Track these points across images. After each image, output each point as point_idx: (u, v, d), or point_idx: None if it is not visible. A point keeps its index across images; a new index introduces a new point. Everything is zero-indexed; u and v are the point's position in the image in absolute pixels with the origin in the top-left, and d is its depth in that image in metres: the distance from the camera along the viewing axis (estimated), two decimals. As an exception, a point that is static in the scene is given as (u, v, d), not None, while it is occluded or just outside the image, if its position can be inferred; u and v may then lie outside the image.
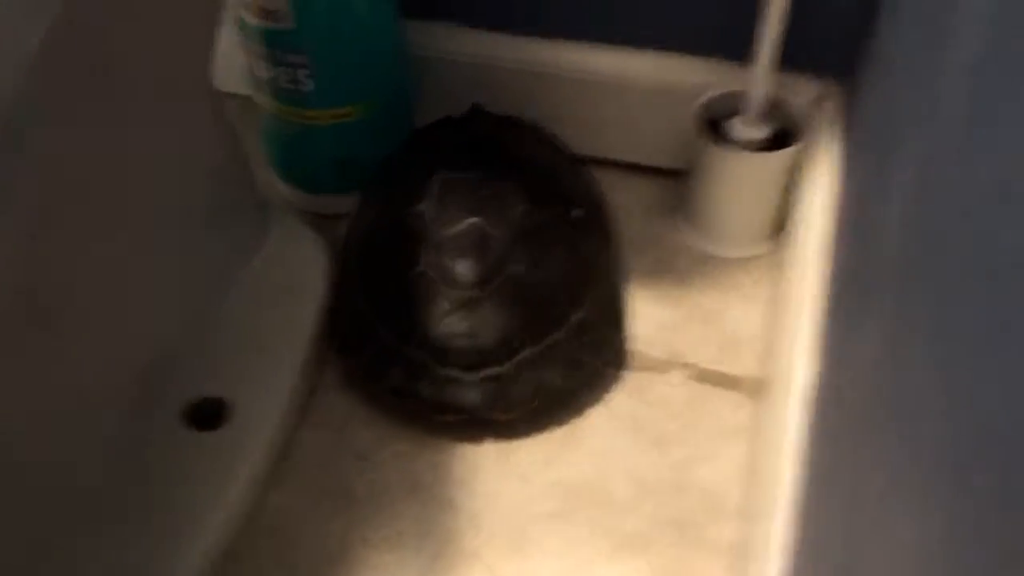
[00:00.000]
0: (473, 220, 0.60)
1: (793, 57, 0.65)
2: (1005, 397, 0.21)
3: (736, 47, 0.66)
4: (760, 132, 0.66)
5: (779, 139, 0.66)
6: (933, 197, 0.31)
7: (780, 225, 0.70)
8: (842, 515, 0.35)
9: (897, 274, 0.34)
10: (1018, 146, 0.23)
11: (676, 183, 0.74)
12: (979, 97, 0.28)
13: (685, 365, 0.64)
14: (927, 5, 0.41)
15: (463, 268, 0.58)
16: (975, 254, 0.25)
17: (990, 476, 0.21)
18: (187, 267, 0.59)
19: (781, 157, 0.65)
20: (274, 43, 0.63)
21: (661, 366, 0.64)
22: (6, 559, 0.45)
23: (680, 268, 0.70)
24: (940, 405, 0.25)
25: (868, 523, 0.29)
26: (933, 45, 0.37)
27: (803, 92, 0.67)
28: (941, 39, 0.35)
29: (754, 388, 0.62)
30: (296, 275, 0.65)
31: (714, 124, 0.68)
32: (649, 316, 0.67)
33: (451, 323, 0.58)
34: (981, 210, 0.25)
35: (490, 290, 0.58)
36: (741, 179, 0.66)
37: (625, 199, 0.74)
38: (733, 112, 0.67)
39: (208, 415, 0.58)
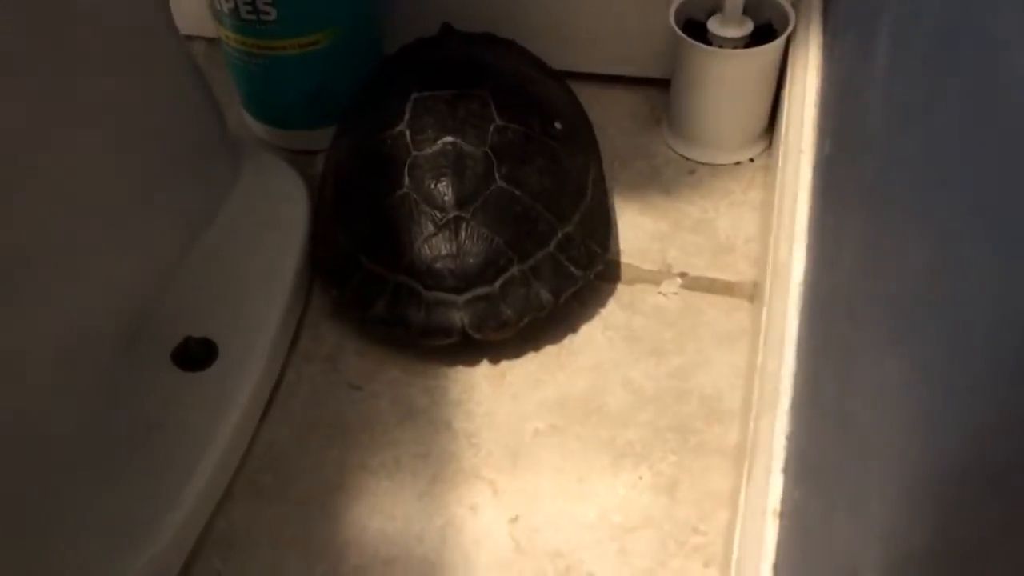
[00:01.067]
0: (450, 139, 0.58)
1: (770, -53, 0.62)
2: (968, 268, 0.20)
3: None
4: (741, 29, 0.64)
5: (761, 35, 0.64)
6: (906, 68, 0.29)
7: (770, 126, 0.68)
8: (836, 389, 0.34)
9: (877, 150, 0.33)
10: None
11: (659, 92, 0.73)
12: None
13: (678, 274, 0.63)
14: None
15: (443, 188, 0.57)
16: (950, 124, 0.24)
17: (956, 338, 0.20)
18: (162, 209, 0.58)
19: (764, 53, 0.63)
20: (231, -30, 0.60)
21: (654, 277, 0.63)
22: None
23: (667, 178, 0.69)
24: (919, 277, 0.24)
25: (857, 385, 0.28)
26: None
27: (783, -16, 0.65)
28: None
29: (749, 292, 0.61)
30: (275, 211, 0.64)
31: (694, 25, 0.66)
32: (639, 228, 0.65)
33: (435, 245, 0.57)
34: (950, 78, 0.24)
35: (472, 209, 0.57)
36: (725, 79, 0.64)
37: (607, 111, 0.72)
38: (712, 11, 0.65)
39: (196, 355, 0.57)
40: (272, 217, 0.64)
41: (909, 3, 0.31)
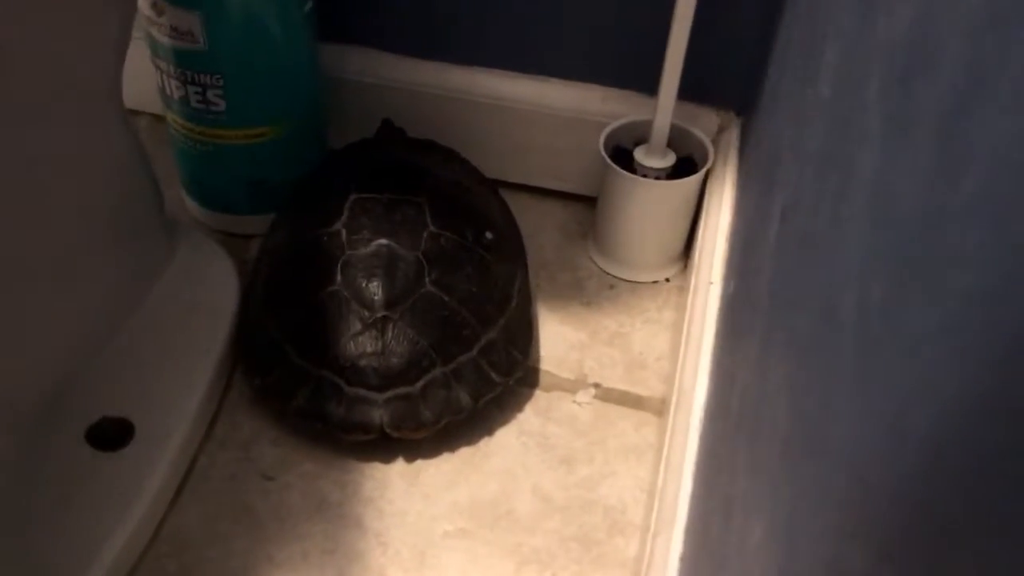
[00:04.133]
0: (383, 241, 0.60)
1: (696, 89, 0.68)
2: (827, 403, 0.23)
3: (643, 79, 0.69)
4: (664, 161, 0.69)
5: (683, 168, 0.69)
6: (792, 222, 0.33)
7: (686, 251, 0.73)
8: (720, 519, 0.36)
9: (767, 295, 0.36)
10: (857, 175, 0.25)
11: (587, 208, 0.77)
12: (830, 132, 0.30)
13: (593, 385, 0.66)
14: (801, 46, 0.44)
15: (374, 288, 0.59)
16: (810, 298, 0.27)
17: (816, 471, 0.23)
18: (89, 285, 0.58)
19: (683, 185, 0.68)
20: (185, 62, 0.63)
21: (570, 385, 0.66)
22: None
23: (589, 291, 0.72)
24: (784, 418, 0.27)
25: (735, 523, 0.31)
26: (804, 81, 0.39)
27: (705, 123, 0.70)
28: (810, 76, 0.38)
29: (658, 407, 0.64)
30: (205, 294, 0.65)
31: (622, 152, 0.70)
32: (559, 337, 0.68)
33: (361, 343, 0.58)
34: (824, 235, 0.27)
35: (401, 310, 0.59)
36: (646, 206, 0.69)
37: (538, 222, 0.76)
38: (640, 141, 0.70)
39: (111, 436, 0.57)
40: (202, 301, 0.65)
41: (793, 193, 0.35)
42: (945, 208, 0.17)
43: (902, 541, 0.17)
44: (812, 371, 0.25)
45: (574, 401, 0.65)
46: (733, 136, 0.70)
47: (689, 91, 0.66)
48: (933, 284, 0.17)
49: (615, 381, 0.66)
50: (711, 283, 0.59)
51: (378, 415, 0.58)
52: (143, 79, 0.67)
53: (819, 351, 0.25)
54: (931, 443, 0.16)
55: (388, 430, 0.58)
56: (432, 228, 0.62)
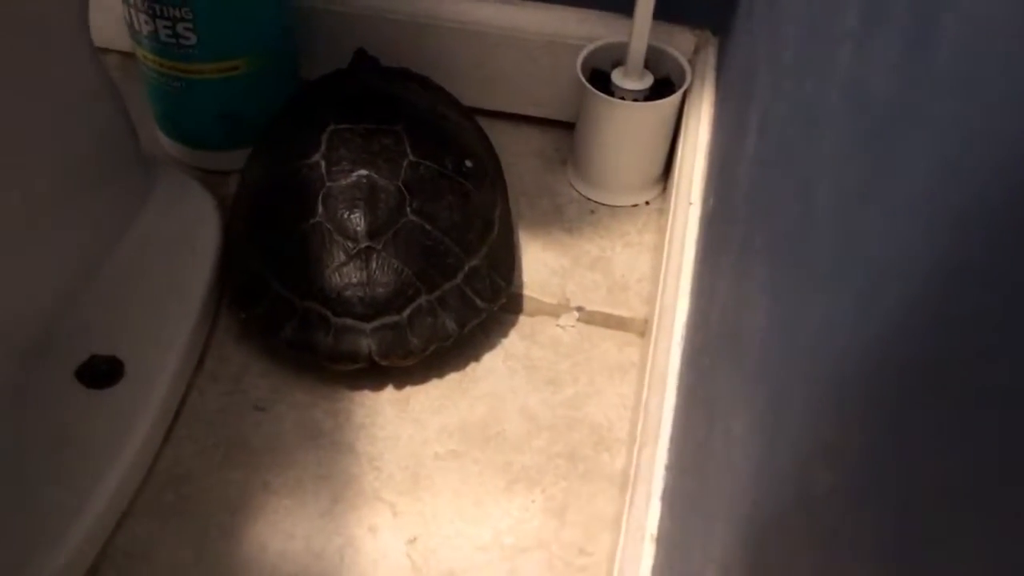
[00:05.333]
0: (363, 172, 0.60)
1: (672, 9, 0.67)
2: (804, 316, 0.24)
3: (620, 0, 0.68)
4: (642, 83, 0.69)
5: (660, 89, 0.69)
6: (769, 132, 0.33)
7: (666, 173, 0.73)
8: (703, 424, 0.38)
9: (745, 208, 0.37)
10: (823, 88, 0.26)
11: (565, 134, 0.77)
12: (806, 39, 0.31)
13: (576, 309, 0.67)
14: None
15: (356, 219, 0.59)
16: (787, 198, 0.28)
17: (791, 388, 0.24)
18: (67, 225, 0.58)
19: (661, 106, 0.68)
20: (153, -6, 0.61)
21: (553, 310, 0.67)
22: None
23: (570, 217, 0.73)
24: (763, 317, 0.28)
25: (717, 425, 0.32)
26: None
27: (682, 43, 0.70)
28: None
29: (640, 328, 0.66)
30: (186, 230, 0.65)
31: (599, 75, 0.70)
32: (541, 263, 0.69)
33: (346, 273, 0.59)
34: (800, 137, 0.28)
35: (383, 240, 0.59)
36: (624, 129, 0.69)
37: (516, 149, 0.76)
38: (617, 63, 0.70)
39: (102, 374, 0.57)
40: (183, 236, 0.65)
41: (769, 103, 0.36)
42: (919, 83, 0.18)
43: (870, 410, 0.18)
44: (789, 267, 0.26)
45: (558, 325, 0.66)
46: (710, 55, 0.70)
47: (665, 11, 0.66)
48: (907, 158, 0.18)
49: (598, 304, 0.67)
50: (691, 203, 0.60)
51: (366, 344, 0.58)
52: (110, 15, 0.66)
53: (795, 247, 0.26)
54: (901, 312, 0.17)
55: (376, 358, 0.58)
56: (411, 157, 0.62)
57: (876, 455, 0.17)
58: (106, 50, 0.77)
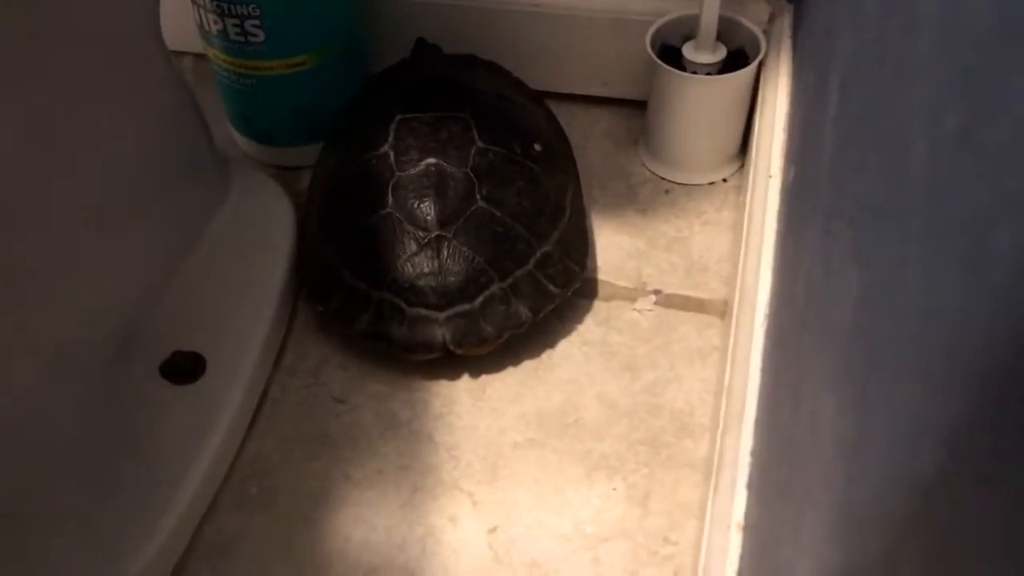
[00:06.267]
0: (431, 160, 0.60)
1: (743, -23, 0.65)
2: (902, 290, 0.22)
3: (687, -29, 0.66)
4: (715, 55, 0.66)
5: (734, 61, 0.67)
6: (852, 90, 0.31)
7: (743, 147, 0.70)
8: (789, 405, 0.36)
9: (829, 174, 0.35)
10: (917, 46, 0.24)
11: (636, 113, 0.75)
12: (886, 5, 0.28)
13: (653, 292, 0.65)
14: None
15: (426, 208, 0.59)
16: (876, 156, 0.26)
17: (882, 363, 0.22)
18: (149, 226, 0.59)
19: (735, 79, 0.65)
20: (220, -6, 0.62)
21: (629, 294, 0.65)
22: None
23: (644, 198, 0.71)
24: (854, 285, 0.26)
25: (804, 405, 0.30)
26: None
27: (755, 12, 0.67)
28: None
29: (721, 310, 0.64)
30: (262, 227, 0.66)
31: (670, 50, 0.68)
32: (616, 246, 0.68)
33: (417, 263, 0.59)
34: (888, 86, 0.26)
35: (454, 229, 0.59)
36: (698, 104, 0.67)
37: (586, 131, 0.74)
38: (688, 37, 0.67)
39: (184, 369, 0.58)
40: (259, 233, 0.65)
41: (852, 61, 0.34)
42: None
43: (981, 385, 0.16)
44: (880, 231, 0.24)
45: (634, 309, 0.64)
46: (785, 24, 0.67)
47: (736, -21, 0.63)
48: (1010, 98, 0.16)
49: (676, 286, 0.65)
50: (770, 176, 0.58)
51: (440, 333, 0.58)
52: (182, 19, 0.67)
53: (886, 208, 0.24)
54: (1012, 270, 0.15)
55: (451, 347, 0.58)
56: (479, 143, 0.61)
57: (988, 434, 0.15)
58: (180, 53, 0.78)
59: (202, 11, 0.64)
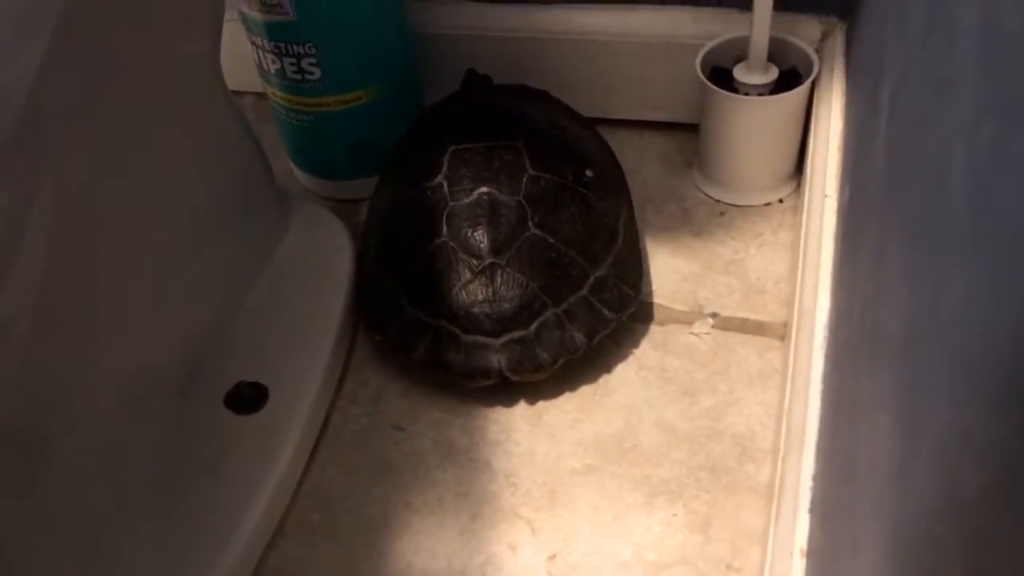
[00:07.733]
0: (484, 189, 0.61)
1: (793, -3, 0.64)
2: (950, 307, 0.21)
3: (736, -7, 0.66)
4: (766, 76, 0.66)
5: (787, 81, 0.66)
6: (901, 104, 0.31)
7: (799, 167, 0.70)
8: (847, 427, 0.35)
9: (880, 191, 0.34)
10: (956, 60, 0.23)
11: (688, 136, 0.75)
12: (930, 18, 0.28)
13: (710, 315, 0.64)
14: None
15: (479, 236, 0.60)
16: (920, 171, 0.25)
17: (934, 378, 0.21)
18: (214, 262, 0.61)
19: (787, 99, 0.65)
20: (277, 35, 0.64)
21: (686, 317, 0.65)
22: (60, 549, 0.48)
23: (698, 220, 0.70)
24: (902, 317, 0.26)
25: (861, 426, 0.30)
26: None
27: (807, 31, 0.67)
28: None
29: (780, 332, 0.63)
30: (321, 259, 0.67)
31: (721, 72, 0.68)
32: (671, 269, 0.67)
33: (472, 290, 0.59)
34: (930, 100, 0.26)
35: (507, 256, 0.59)
36: (751, 125, 0.66)
37: (638, 156, 0.75)
38: (738, 58, 0.67)
39: (248, 399, 0.60)
40: (319, 265, 0.67)
41: (901, 76, 0.33)
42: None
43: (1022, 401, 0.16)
44: (926, 248, 0.24)
45: (692, 332, 0.64)
46: (837, 42, 0.66)
47: (786, 1, 0.63)
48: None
49: (733, 309, 0.64)
50: (826, 196, 0.57)
51: (496, 360, 0.58)
52: (242, 59, 0.70)
53: (931, 224, 0.23)
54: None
55: (507, 374, 0.58)
56: (531, 171, 0.62)
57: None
58: (240, 93, 0.81)
59: (261, 51, 0.67)
